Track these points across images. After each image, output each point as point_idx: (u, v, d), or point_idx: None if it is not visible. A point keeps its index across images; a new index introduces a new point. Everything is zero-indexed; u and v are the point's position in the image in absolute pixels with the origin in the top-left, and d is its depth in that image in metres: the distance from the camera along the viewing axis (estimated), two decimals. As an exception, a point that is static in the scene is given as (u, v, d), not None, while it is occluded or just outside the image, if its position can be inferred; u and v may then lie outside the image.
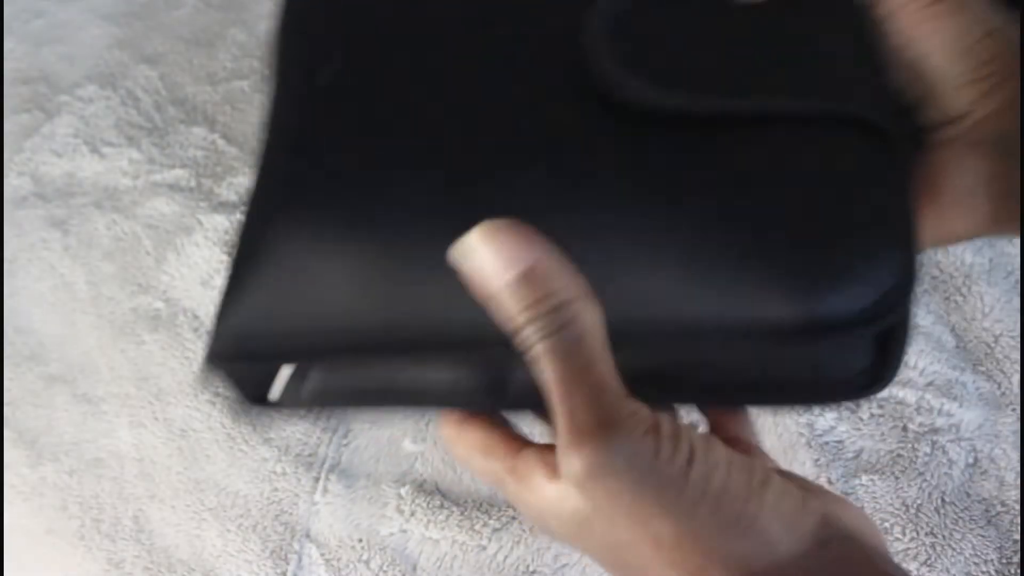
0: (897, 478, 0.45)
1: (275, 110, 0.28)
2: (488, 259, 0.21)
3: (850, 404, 0.46)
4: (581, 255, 0.22)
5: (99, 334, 0.52)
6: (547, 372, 0.21)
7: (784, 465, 0.46)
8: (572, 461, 0.21)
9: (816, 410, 0.46)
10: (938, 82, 0.25)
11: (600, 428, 0.20)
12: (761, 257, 0.22)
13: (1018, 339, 0.46)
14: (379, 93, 0.26)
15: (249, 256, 0.25)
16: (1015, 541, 0.43)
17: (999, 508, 0.44)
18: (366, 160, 0.25)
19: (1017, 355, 0.46)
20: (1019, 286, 0.47)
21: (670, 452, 0.21)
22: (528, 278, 0.21)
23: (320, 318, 0.24)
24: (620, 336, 0.22)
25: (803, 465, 0.45)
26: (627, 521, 0.21)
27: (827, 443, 0.46)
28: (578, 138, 0.24)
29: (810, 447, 0.45)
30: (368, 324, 0.24)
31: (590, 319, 0.21)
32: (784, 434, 0.46)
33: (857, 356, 0.25)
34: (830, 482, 0.45)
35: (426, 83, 0.26)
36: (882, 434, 0.45)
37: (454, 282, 0.22)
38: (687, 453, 0.21)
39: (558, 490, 0.22)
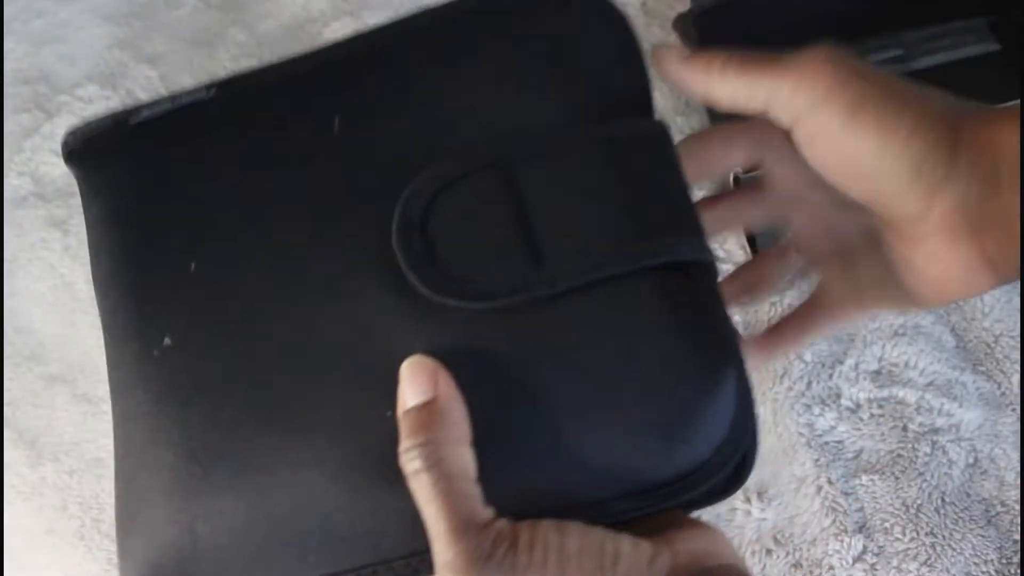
0: (897, 478, 0.45)
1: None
2: (402, 386, 0.25)
3: (846, 410, 0.46)
4: None
5: (99, 334, 0.52)
6: (418, 492, 0.24)
7: (784, 465, 0.46)
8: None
9: (816, 410, 0.46)
10: (880, 191, 0.25)
11: (455, 536, 0.23)
12: (610, 428, 0.25)
13: (1018, 339, 0.46)
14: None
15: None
16: (1015, 541, 0.43)
17: (999, 508, 0.44)
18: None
19: (1017, 355, 0.46)
20: (1019, 286, 0.47)
21: (521, 557, 0.23)
22: (422, 411, 0.24)
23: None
24: (500, 496, 0.24)
25: (803, 465, 0.45)
26: None
27: (827, 443, 0.46)
28: (389, 333, 0.26)
29: (810, 447, 0.45)
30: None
31: (460, 461, 0.24)
32: (784, 434, 0.46)
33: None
34: (830, 482, 0.45)
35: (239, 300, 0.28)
36: (882, 434, 0.45)
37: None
38: (540, 554, 0.23)
39: None
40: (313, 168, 0.28)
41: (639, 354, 0.25)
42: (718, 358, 0.25)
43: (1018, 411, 0.45)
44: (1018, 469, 0.44)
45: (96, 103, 0.59)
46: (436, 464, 0.23)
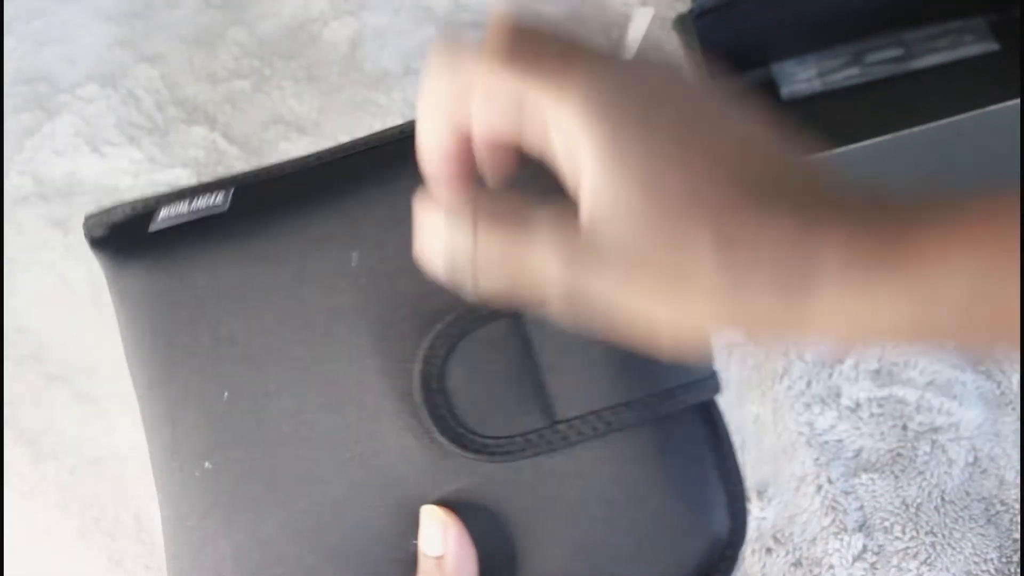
0: (897, 477, 0.45)
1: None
2: (422, 537, 0.27)
3: (846, 409, 0.46)
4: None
5: (99, 334, 0.52)
6: None
7: (784, 464, 0.46)
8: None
9: (816, 409, 0.46)
10: None
11: None
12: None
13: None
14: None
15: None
16: (1015, 540, 0.43)
17: (999, 507, 0.44)
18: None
19: (1017, 355, 0.46)
20: (1019, 286, 0.47)
21: None
22: (434, 563, 0.26)
23: None
24: None
25: (803, 464, 0.45)
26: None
27: (827, 442, 0.46)
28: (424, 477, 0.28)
29: (810, 446, 0.45)
30: None
31: None
32: (784, 433, 0.46)
33: None
34: (830, 481, 0.45)
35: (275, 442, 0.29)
36: (882, 433, 0.45)
37: None
38: None
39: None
40: (333, 298, 0.29)
41: (641, 504, 0.27)
42: (715, 498, 0.28)
43: (1018, 410, 0.45)
44: (1018, 468, 0.44)
45: (97, 103, 0.59)
46: None
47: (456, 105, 0.21)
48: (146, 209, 0.31)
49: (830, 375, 0.47)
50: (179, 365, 0.30)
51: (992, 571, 0.43)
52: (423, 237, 0.22)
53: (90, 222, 0.32)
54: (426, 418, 0.27)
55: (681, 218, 0.18)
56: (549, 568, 0.27)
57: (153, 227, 0.31)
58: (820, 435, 0.46)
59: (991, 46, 0.48)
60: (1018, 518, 0.43)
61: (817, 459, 0.45)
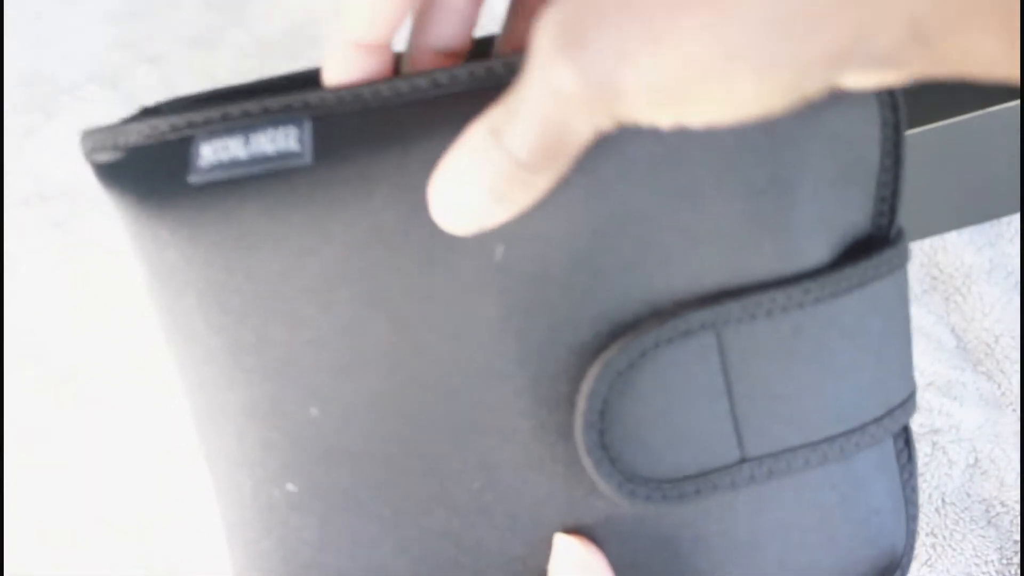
0: (897, 478, 0.45)
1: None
2: (555, 570, 0.23)
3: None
4: None
5: (99, 334, 0.52)
6: None
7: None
8: None
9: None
10: None
11: None
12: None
13: (1018, 339, 0.46)
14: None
15: None
16: (1015, 541, 0.43)
17: (999, 508, 0.44)
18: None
19: (1017, 355, 0.46)
20: (1019, 286, 0.47)
21: None
22: None
23: None
24: None
25: (803, 465, 0.45)
26: None
27: (827, 443, 0.45)
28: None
29: (810, 447, 0.45)
30: None
31: None
32: (784, 434, 0.46)
33: None
34: (830, 482, 0.45)
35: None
36: (882, 434, 0.45)
37: None
38: None
39: None
40: (468, 301, 0.22)
41: (823, 544, 0.24)
42: (895, 526, 0.25)
43: (1018, 411, 0.45)
44: (1018, 469, 0.44)
45: (96, 103, 0.59)
46: None
47: None
48: (176, 134, 0.23)
49: (830, 376, 0.47)
50: (243, 370, 0.23)
51: (992, 572, 0.43)
52: (447, 192, 0.20)
53: (92, 140, 0.23)
54: (586, 456, 0.22)
55: None
56: None
57: (196, 176, 0.22)
58: (820, 436, 0.46)
59: (992, 46, 0.48)
60: (1018, 519, 0.43)
61: (817, 460, 0.45)
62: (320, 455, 0.24)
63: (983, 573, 0.43)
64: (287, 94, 0.23)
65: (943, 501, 0.44)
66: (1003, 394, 0.46)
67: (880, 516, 0.25)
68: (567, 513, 0.23)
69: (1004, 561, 0.43)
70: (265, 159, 0.22)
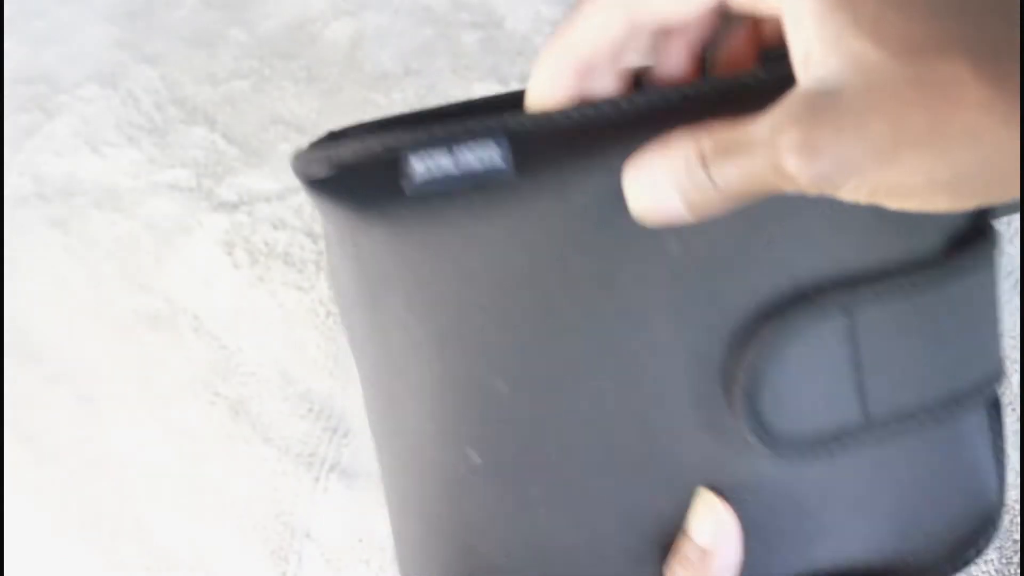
0: (897, 478, 0.45)
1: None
2: (693, 523, 0.27)
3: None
4: None
5: (99, 334, 0.52)
6: None
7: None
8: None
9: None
10: None
11: None
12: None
13: (1018, 339, 0.46)
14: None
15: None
16: (1015, 541, 0.43)
17: (999, 508, 0.44)
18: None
19: (1017, 355, 0.46)
20: (1019, 286, 0.47)
21: None
22: (699, 554, 0.26)
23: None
24: None
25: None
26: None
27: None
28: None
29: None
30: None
31: None
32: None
33: None
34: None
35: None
36: (882, 434, 0.45)
37: None
38: None
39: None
40: (645, 291, 0.26)
41: (932, 499, 0.28)
42: (989, 481, 0.30)
43: (1018, 411, 0.45)
44: (1018, 469, 0.44)
45: (96, 103, 0.59)
46: None
47: None
48: (388, 154, 0.25)
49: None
50: (445, 352, 0.27)
51: (992, 572, 0.43)
52: (646, 191, 0.23)
53: (304, 158, 0.26)
54: (742, 420, 0.26)
55: (930, 58, 0.19)
56: (831, 557, 0.27)
57: (412, 188, 0.25)
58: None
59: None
60: (1018, 519, 0.43)
61: (817, 460, 0.45)
62: (503, 426, 0.27)
63: (983, 572, 0.43)
64: (483, 116, 0.25)
65: (943, 501, 0.44)
66: (1003, 394, 0.46)
67: (978, 474, 0.29)
68: (712, 474, 0.27)
69: (1004, 560, 0.43)
70: (473, 174, 0.25)
